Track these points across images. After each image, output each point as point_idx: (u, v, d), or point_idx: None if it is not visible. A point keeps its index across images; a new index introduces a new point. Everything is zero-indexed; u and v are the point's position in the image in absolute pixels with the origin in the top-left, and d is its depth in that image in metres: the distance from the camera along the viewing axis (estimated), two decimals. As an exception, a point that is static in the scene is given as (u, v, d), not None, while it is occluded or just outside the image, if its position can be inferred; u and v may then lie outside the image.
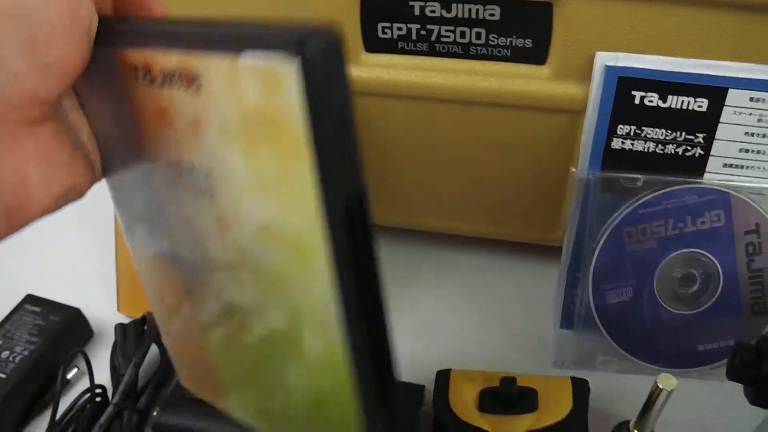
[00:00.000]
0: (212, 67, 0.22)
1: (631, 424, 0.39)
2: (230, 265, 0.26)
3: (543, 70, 0.46)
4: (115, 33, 0.25)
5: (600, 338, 0.48)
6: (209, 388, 0.33)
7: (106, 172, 0.29)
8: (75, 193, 0.26)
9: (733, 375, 0.35)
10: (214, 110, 0.23)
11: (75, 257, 0.64)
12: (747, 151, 0.45)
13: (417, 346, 0.52)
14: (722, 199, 0.46)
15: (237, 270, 0.26)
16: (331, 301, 0.23)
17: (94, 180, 0.28)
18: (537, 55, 0.45)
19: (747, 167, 0.46)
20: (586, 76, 0.45)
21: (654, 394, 0.37)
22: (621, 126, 0.45)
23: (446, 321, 0.55)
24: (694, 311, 0.48)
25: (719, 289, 0.47)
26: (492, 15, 0.45)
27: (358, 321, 0.23)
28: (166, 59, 0.23)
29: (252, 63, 0.20)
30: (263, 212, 0.23)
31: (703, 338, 0.48)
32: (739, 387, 0.38)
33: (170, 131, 0.25)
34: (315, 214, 0.21)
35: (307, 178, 0.21)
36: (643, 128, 0.45)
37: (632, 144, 0.45)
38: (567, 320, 0.49)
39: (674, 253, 0.47)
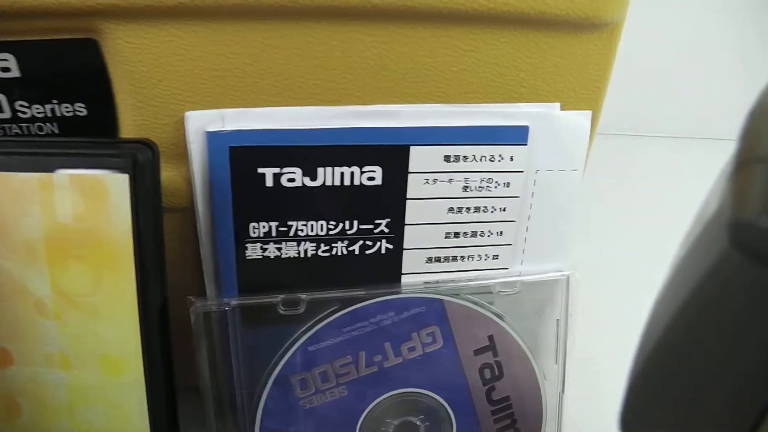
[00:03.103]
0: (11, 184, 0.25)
1: None
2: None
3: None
4: None
5: None
6: None
7: None
8: None
9: None
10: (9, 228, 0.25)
11: None
12: (456, 235, 0.30)
13: None
14: (434, 310, 0.30)
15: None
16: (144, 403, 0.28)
17: None
18: (100, 127, 0.27)
19: (462, 258, 0.30)
20: (185, 151, 0.27)
21: None
22: (254, 225, 0.28)
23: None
24: (424, 473, 0.32)
25: (454, 437, 0.31)
26: (7, 69, 0.26)
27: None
28: None
29: (73, 176, 0.24)
30: (69, 331, 0.27)
31: (444, 507, 0.33)
32: None
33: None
34: (133, 319, 0.26)
35: (129, 283, 0.26)
36: (289, 223, 0.28)
37: (278, 249, 0.28)
38: None
39: (377, 400, 0.30)
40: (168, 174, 0.28)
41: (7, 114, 0.27)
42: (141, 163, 0.24)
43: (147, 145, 0.26)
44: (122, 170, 0.24)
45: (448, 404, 0.31)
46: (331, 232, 0.28)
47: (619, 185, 0.53)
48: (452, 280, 0.30)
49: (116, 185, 0.24)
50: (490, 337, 0.31)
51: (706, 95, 0.61)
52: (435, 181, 0.28)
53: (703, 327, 0.14)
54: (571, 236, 0.31)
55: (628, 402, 0.16)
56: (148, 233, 0.25)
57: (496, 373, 0.31)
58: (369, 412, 0.30)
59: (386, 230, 0.29)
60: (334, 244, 0.29)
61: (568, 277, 0.31)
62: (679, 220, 0.18)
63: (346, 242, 0.29)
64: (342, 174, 0.27)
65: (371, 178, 0.28)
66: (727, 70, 0.59)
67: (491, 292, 0.30)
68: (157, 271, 0.27)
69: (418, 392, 0.31)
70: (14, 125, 0.27)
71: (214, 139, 0.26)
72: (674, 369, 0.15)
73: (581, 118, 0.29)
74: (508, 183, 0.29)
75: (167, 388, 0.28)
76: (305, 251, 0.28)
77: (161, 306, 0.27)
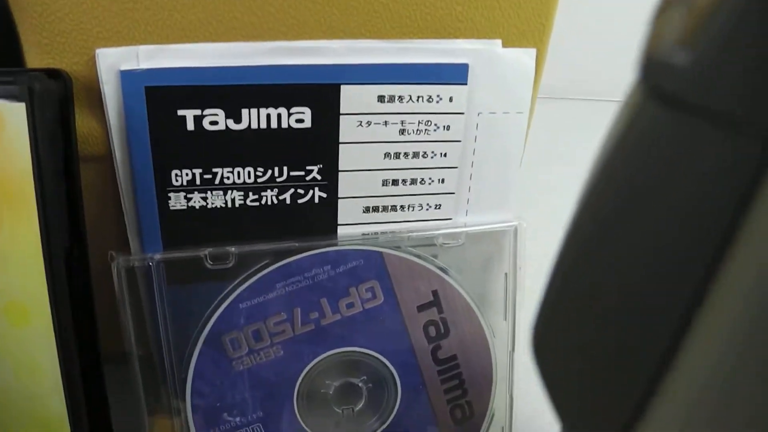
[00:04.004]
0: None
1: None
2: None
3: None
4: None
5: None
6: None
7: None
8: None
9: None
10: None
11: None
12: (395, 182, 0.28)
13: None
14: (373, 263, 0.28)
15: None
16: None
17: None
18: (5, 67, 0.25)
19: (401, 208, 0.28)
20: (99, 93, 0.25)
21: None
22: (177, 172, 0.26)
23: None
24: (368, 438, 0.30)
25: (398, 398, 0.30)
26: None
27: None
28: None
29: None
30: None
31: (391, 473, 0.31)
32: None
33: None
34: (38, 263, 0.24)
35: (32, 223, 0.23)
36: (214, 170, 0.26)
37: (204, 199, 0.27)
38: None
39: (315, 361, 0.29)
40: (83, 119, 0.26)
41: None
42: (39, 92, 0.23)
43: (55, 73, 0.24)
44: (18, 99, 0.22)
45: (392, 364, 0.29)
46: (259, 180, 0.27)
47: (568, 139, 0.52)
48: (392, 232, 0.28)
49: (12, 116, 0.22)
50: (434, 292, 0.29)
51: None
52: (369, 123, 0.27)
53: (619, 199, 0.12)
54: (518, 184, 0.29)
55: (539, 317, 0.14)
56: (51, 169, 0.23)
57: (442, 331, 0.29)
58: (307, 373, 0.29)
59: (318, 177, 0.27)
60: (263, 193, 0.27)
61: (515, 228, 0.29)
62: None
63: (276, 190, 0.27)
64: (268, 116, 0.26)
65: (300, 120, 0.26)
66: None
67: (434, 245, 0.29)
68: (62, 211, 0.25)
69: (358, 351, 0.29)
70: None
71: (128, 78, 0.25)
72: (589, 264, 0.13)
73: (525, 56, 0.27)
74: (449, 126, 0.27)
75: (82, 339, 0.26)
76: (233, 200, 0.27)
77: (69, 248, 0.25)
